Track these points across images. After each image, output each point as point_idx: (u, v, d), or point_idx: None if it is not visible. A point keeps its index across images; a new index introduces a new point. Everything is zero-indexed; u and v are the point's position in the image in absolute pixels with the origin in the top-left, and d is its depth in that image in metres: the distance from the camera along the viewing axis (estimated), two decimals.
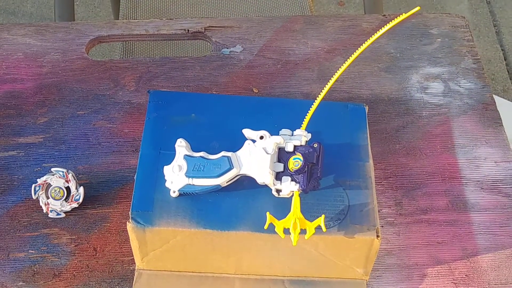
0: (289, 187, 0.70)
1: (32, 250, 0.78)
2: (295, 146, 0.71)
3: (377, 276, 0.78)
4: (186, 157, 0.72)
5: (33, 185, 0.80)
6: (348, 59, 0.77)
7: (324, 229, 0.68)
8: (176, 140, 0.73)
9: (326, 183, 0.73)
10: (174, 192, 0.71)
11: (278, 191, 0.71)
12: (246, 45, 1.00)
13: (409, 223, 0.82)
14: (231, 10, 1.46)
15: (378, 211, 0.75)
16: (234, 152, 0.71)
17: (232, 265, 0.75)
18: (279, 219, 0.69)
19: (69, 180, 0.80)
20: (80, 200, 0.81)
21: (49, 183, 0.80)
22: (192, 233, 0.70)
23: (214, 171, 0.71)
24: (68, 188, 0.80)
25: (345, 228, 0.70)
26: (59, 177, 0.80)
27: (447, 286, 0.77)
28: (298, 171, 0.70)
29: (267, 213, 0.68)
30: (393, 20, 0.77)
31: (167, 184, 0.72)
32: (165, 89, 0.94)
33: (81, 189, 0.81)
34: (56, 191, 0.80)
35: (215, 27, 1.02)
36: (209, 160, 0.71)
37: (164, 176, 0.72)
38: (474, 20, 2.18)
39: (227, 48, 1.00)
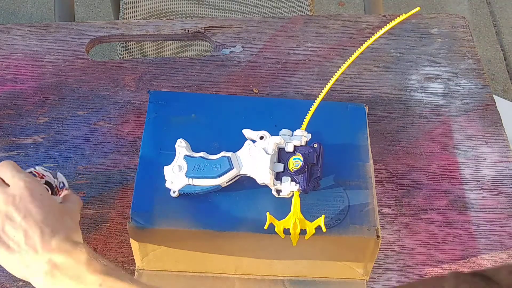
0: (289, 187, 0.70)
1: None
2: (295, 146, 0.71)
3: (377, 276, 0.78)
4: (186, 157, 0.72)
5: None
6: (348, 59, 0.77)
7: (324, 229, 0.68)
8: (176, 140, 0.73)
9: (326, 183, 0.73)
10: (174, 192, 0.71)
11: (278, 191, 0.71)
12: (246, 45, 1.00)
13: (409, 223, 0.82)
14: (231, 10, 1.46)
15: (378, 211, 0.74)
16: (234, 152, 0.71)
17: (232, 265, 0.75)
18: (279, 219, 0.69)
19: (43, 175, 0.75)
20: (67, 185, 0.76)
21: None
22: (192, 233, 0.70)
23: (214, 171, 0.71)
24: (48, 183, 0.75)
25: (345, 228, 0.70)
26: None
27: None
28: (298, 171, 0.70)
29: (267, 213, 0.68)
30: (393, 20, 0.76)
31: (167, 184, 0.72)
32: (165, 89, 0.94)
33: (59, 175, 0.76)
34: None
35: (215, 27, 1.02)
36: (209, 160, 0.71)
37: (164, 176, 0.72)
38: (474, 20, 2.18)
39: (227, 48, 1.00)
